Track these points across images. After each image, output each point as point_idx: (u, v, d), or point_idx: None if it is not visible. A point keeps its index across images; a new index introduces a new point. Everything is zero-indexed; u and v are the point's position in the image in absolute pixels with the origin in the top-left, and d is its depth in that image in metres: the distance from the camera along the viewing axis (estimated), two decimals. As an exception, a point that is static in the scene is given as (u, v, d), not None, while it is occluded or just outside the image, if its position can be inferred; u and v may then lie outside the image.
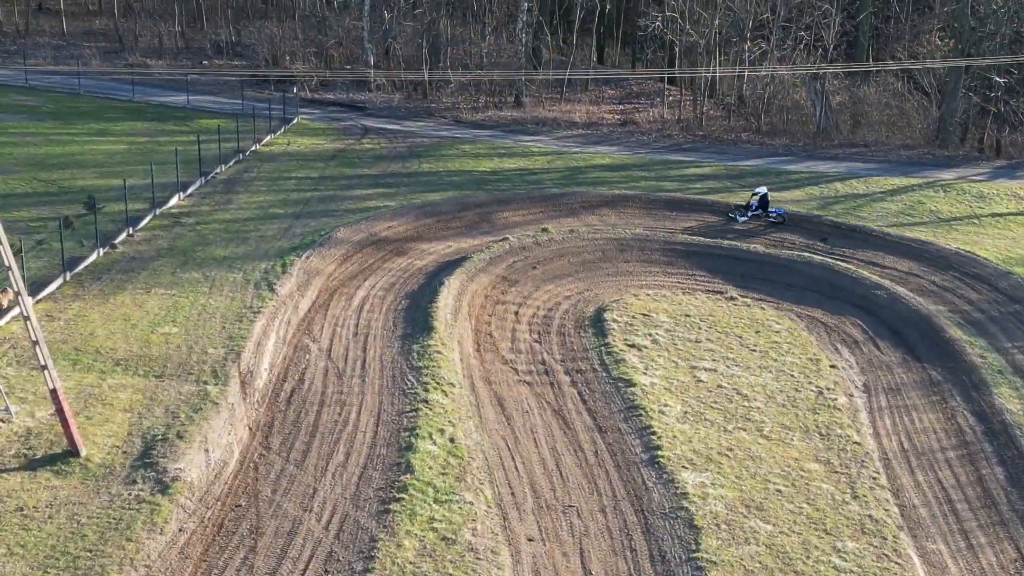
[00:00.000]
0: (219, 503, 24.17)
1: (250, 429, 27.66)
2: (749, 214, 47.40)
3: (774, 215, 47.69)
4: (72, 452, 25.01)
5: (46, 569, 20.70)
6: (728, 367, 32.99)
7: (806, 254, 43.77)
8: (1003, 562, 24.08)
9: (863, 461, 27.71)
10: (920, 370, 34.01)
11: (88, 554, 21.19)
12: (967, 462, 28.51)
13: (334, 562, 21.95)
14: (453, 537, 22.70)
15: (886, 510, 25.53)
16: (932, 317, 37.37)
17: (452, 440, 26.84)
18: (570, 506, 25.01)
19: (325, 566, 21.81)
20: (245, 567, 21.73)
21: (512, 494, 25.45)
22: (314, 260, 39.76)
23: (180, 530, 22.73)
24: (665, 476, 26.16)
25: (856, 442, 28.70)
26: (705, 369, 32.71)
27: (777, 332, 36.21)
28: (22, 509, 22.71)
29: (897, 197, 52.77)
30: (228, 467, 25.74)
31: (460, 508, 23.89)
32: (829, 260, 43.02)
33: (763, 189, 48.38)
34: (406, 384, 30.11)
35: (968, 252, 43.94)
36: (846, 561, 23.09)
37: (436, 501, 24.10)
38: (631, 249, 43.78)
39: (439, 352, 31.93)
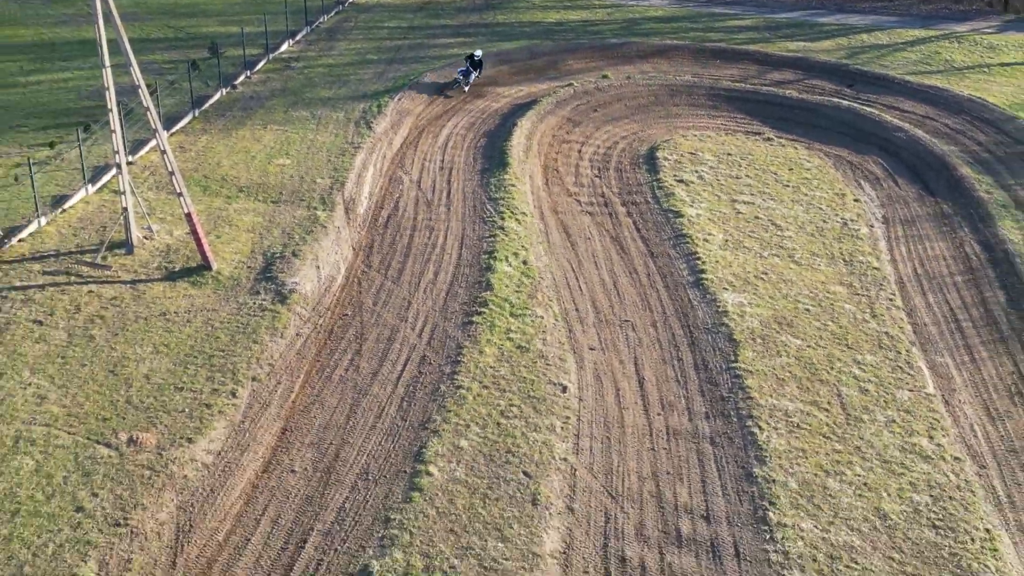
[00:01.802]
0: (329, 312, 23.96)
1: (353, 249, 27.23)
2: (472, 76, 41.53)
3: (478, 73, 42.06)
4: (205, 266, 24.84)
5: (187, 365, 20.73)
6: (764, 200, 31.69)
7: (835, 99, 41.49)
8: (1001, 374, 23.26)
9: (881, 284, 26.70)
10: (933, 204, 32.50)
11: (221, 353, 21.17)
12: (972, 286, 27.35)
13: (426, 364, 21.75)
14: (527, 346, 22.34)
15: (900, 327, 24.67)
16: (945, 157, 35.48)
17: (525, 263, 26.22)
18: (626, 321, 24.45)
19: (419, 368, 21.64)
20: (352, 367, 21.62)
21: (576, 310, 24.90)
22: (405, 102, 38.59)
23: (297, 335, 22.60)
24: (708, 296, 25.41)
25: (876, 267, 27.60)
26: (744, 202, 31.45)
27: (808, 169, 34.63)
28: (164, 314, 22.68)
29: (916, 47, 49.62)
30: (336, 282, 25.44)
31: (532, 321, 23.45)
32: (855, 105, 40.75)
33: (479, 53, 42.69)
34: (485, 213, 29.35)
35: (979, 98, 41.35)
36: (864, 372, 22.43)
37: (512, 315, 23.67)
38: (680, 94, 41.80)
39: (513, 185, 31.02)
